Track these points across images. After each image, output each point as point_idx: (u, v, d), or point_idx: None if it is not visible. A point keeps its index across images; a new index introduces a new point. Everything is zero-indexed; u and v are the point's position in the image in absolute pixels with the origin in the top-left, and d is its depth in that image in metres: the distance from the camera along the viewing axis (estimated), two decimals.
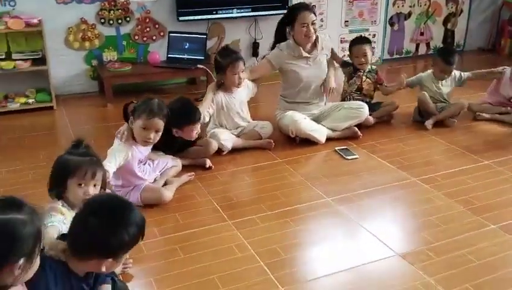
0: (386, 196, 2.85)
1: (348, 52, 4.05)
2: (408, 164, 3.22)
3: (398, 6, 5.78)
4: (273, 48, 3.69)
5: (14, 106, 4.21)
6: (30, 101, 4.26)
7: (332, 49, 3.82)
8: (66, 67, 4.49)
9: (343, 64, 3.97)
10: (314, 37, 3.55)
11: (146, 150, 2.71)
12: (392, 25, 5.82)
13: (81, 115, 4.20)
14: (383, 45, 5.82)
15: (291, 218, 2.60)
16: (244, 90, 3.50)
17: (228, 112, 3.41)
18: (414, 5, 5.86)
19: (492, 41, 6.36)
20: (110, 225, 1.57)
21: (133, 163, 2.60)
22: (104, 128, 3.85)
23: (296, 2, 4.63)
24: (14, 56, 4.17)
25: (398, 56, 5.98)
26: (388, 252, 2.30)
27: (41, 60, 4.22)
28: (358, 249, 2.35)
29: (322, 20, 5.37)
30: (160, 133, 2.60)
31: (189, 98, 3.23)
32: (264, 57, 4.00)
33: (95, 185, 1.93)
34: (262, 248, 2.32)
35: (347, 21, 5.55)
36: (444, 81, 3.93)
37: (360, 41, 3.96)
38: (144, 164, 2.80)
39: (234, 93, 3.43)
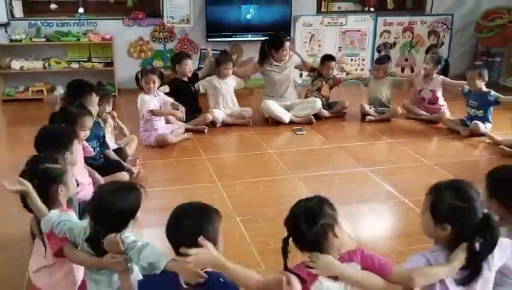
0: (307, 150, 4.45)
1: (319, 63, 5.58)
2: (336, 138, 4.80)
3: (384, 38, 7.31)
4: None
5: None
6: None
7: (302, 59, 5.48)
8: (127, 69, 6.34)
9: (312, 70, 5.55)
10: None
11: (152, 99, 4.47)
12: (379, 51, 7.32)
13: (133, 102, 5.95)
14: (371, 67, 7.33)
15: (241, 153, 4.28)
16: (233, 81, 5.22)
17: (221, 93, 5.11)
18: (399, 37, 7.36)
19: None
20: None
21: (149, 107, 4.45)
22: None
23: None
24: (93, 60, 6.17)
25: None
26: (287, 173, 3.91)
27: (111, 64, 6.19)
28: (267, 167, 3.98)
29: (319, 45, 7.01)
30: (157, 84, 4.44)
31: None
32: None
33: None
34: (217, 167, 4.01)
35: (340, 47, 7.15)
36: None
37: (329, 58, 5.56)
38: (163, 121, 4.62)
39: (225, 81, 5.15)
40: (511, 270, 1.94)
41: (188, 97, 5.00)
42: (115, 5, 6.35)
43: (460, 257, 1.77)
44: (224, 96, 5.16)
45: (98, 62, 6.16)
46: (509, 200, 2.05)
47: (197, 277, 1.69)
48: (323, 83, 5.47)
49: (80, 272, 2.20)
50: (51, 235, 2.05)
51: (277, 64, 5.29)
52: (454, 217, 1.79)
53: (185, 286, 1.72)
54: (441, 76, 5.31)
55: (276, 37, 5.38)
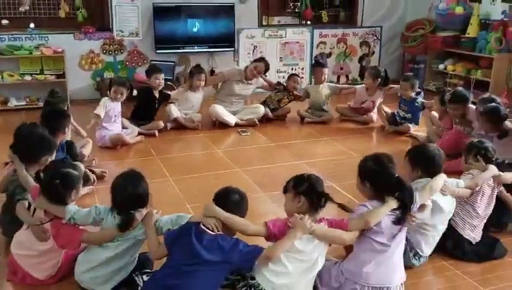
0: (251, 148, 4.93)
1: (287, 79, 6.22)
2: (277, 138, 5.30)
3: (321, 48, 7.94)
4: None
5: (41, 104, 6.40)
6: None
7: (264, 78, 6.08)
8: (79, 81, 6.69)
9: (278, 84, 6.15)
10: None
11: (115, 105, 4.89)
12: (317, 61, 7.87)
13: (84, 112, 6.23)
14: (310, 75, 7.92)
15: (191, 153, 4.71)
16: (201, 94, 5.71)
17: (191, 104, 5.61)
18: (334, 47, 8.01)
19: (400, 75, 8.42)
20: None
21: (109, 111, 4.84)
22: None
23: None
24: (45, 72, 6.41)
25: None
26: (232, 167, 4.36)
27: (63, 76, 6.45)
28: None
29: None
30: (124, 95, 4.90)
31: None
32: None
33: None
34: (169, 164, 4.40)
35: (281, 57, 7.71)
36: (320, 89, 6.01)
37: (295, 75, 6.24)
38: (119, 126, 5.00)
39: (196, 94, 5.63)
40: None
41: (150, 108, 5.46)
42: (66, 20, 6.61)
43: (392, 200, 2.50)
44: (193, 108, 5.66)
45: (50, 74, 6.40)
46: (422, 167, 2.92)
47: (214, 225, 2.34)
48: (285, 97, 6.03)
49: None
50: (66, 227, 2.43)
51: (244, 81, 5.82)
52: (369, 176, 2.59)
53: (205, 229, 2.33)
54: (383, 90, 5.92)
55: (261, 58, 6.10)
